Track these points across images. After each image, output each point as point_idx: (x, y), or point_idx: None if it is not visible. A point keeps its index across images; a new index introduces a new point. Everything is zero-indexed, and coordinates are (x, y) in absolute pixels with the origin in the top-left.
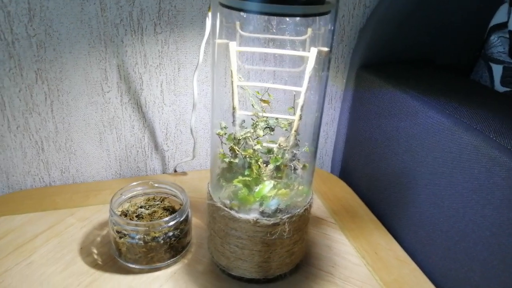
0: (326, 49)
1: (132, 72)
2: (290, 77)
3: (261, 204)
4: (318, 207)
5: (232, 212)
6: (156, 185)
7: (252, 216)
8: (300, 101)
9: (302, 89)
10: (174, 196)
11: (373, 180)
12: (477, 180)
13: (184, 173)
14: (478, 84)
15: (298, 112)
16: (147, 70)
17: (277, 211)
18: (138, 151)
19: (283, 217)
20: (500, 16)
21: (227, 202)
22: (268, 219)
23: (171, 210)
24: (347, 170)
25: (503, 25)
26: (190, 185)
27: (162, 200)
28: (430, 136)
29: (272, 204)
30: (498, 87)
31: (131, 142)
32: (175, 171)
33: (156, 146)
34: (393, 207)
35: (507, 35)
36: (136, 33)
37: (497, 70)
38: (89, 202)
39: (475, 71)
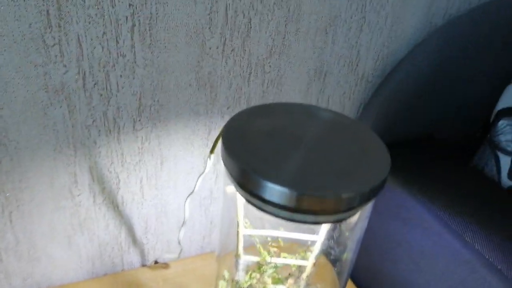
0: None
1: (107, 172)
2: None
3: None
4: None
5: None
6: None
7: None
8: (315, 251)
9: (318, 239)
10: None
11: (380, 281)
12: None
13: (165, 266)
14: (486, 179)
15: (311, 260)
16: (124, 169)
17: None
18: (113, 247)
19: None
20: (508, 99)
21: None
22: None
23: None
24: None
25: None
26: (175, 282)
27: None
28: (443, 260)
29: None
30: (505, 180)
31: (105, 240)
32: (156, 262)
33: (135, 241)
34: None
35: None
36: (111, 132)
37: (505, 162)
38: None
39: (480, 156)
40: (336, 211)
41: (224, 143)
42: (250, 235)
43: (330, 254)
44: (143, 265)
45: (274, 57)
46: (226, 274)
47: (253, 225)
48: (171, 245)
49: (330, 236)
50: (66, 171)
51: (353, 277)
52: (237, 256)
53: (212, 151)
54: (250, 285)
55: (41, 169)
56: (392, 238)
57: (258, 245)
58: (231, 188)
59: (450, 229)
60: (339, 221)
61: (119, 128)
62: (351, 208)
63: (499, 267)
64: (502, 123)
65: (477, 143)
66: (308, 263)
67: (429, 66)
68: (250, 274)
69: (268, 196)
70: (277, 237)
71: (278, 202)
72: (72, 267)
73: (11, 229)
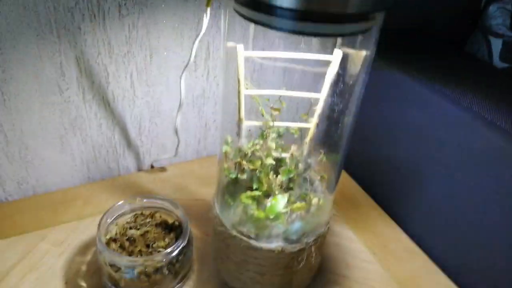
0: (363, 52)
1: (94, 64)
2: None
3: (284, 232)
4: None
5: (252, 241)
6: (145, 200)
7: (276, 244)
8: (318, 109)
9: (321, 96)
10: (165, 209)
11: (374, 167)
12: (499, 181)
13: (162, 169)
14: (477, 61)
15: (314, 120)
16: (113, 60)
17: (303, 235)
18: (108, 150)
19: (309, 241)
20: None
21: (244, 229)
22: (293, 246)
23: (164, 226)
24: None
25: None
26: (172, 184)
27: (153, 215)
28: (444, 129)
29: (297, 229)
30: (497, 62)
31: (99, 142)
32: (152, 166)
33: (129, 143)
34: (397, 196)
35: (510, 6)
36: (96, 17)
37: (496, 44)
38: (60, 218)
39: (471, 43)
40: (348, 17)
41: None
42: (251, 96)
43: (332, 117)
44: (139, 170)
45: None
46: (229, 138)
47: (254, 86)
48: (166, 149)
49: (332, 93)
50: (52, 61)
51: (349, 170)
52: (239, 121)
53: (208, 4)
54: (253, 151)
55: (25, 58)
56: (391, 121)
57: (260, 108)
58: (231, 43)
59: (448, 98)
60: (352, 33)
61: (104, 13)
62: (362, 16)
63: (498, 123)
64: (493, 7)
65: (468, 31)
66: (311, 125)
67: None
68: (253, 141)
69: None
70: (279, 97)
71: (286, 6)
72: (67, 172)
73: (0, 127)
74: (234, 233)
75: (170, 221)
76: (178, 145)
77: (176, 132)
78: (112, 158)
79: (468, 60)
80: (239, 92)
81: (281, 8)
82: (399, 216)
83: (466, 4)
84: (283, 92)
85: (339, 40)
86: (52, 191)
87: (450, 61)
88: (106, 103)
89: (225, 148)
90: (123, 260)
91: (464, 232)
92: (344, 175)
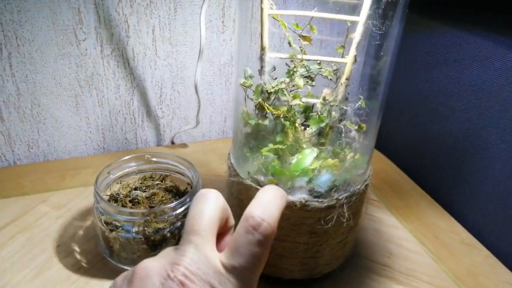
0: None
1: (114, 13)
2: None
3: (309, 181)
4: None
5: None
6: (154, 159)
7: (299, 197)
8: (356, 36)
9: (360, 19)
10: (178, 173)
11: (418, 147)
12: None
13: (184, 145)
14: None
15: (352, 53)
16: (134, 11)
17: (332, 188)
18: (125, 118)
19: (340, 197)
20: None
21: (261, 178)
22: (321, 200)
23: (175, 192)
24: (380, 136)
25: None
26: (193, 159)
27: (163, 178)
28: (509, 87)
29: (325, 180)
30: None
31: (116, 107)
32: (173, 142)
33: (149, 112)
34: (449, 180)
35: None
36: None
37: None
38: (66, 184)
39: None
40: None
41: None
42: (275, 18)
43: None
44: (159, 145)
45: None
46: (249, 70)
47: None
48: (189, 123)
49: (373, 15)
50: (69, 5)
51: (391, 154)
52: (261, 51)
53: None
54: (278, 91)
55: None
56: (445, 90)
57: (287, 35)
58: None
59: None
60: None
61: None
62: None
63: None
64: None
65: None
66: (348, 60)
67: None
68: (279, 79)
69: None
70: (310, 19)
71: None
72: (81, 138)
73: (12, 77)
74: (249, 182)
75: (182, 187)
76: (199, 110)
77: (195, 89)
78: (130, 127)
79: None
80: (262, 12)
81: None
82: (454, 204)
83: None
84: (314, 13)
85: None
86: (63, 158)
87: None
88: (125, 61)
89: (243, 80)
90: (121, 214)
91: None
92: (384, 160)
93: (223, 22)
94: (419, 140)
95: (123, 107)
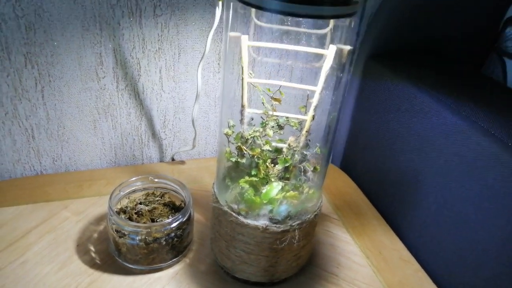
0: (348, 47)
1: (129, 57)
2: (305, 72)
3: (270, 211)
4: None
5: (240, 217)
6: (156, 180)
7: (261, 222)
8: (314, 101)
9: (317, 89)
10: (174, 191)
11: (376, 174)
12: (491, 188)
13: (182, 162)
14: (491, 80)
15: (311, 113)
16: (145, 55)
17: (287, 217)
18: (134, 139)
19: (293, 224)
20: None
21: (235, 206)
22: (278, 226)
23: (171, 206)
24: (349, 161)
25: None
26: (188, 175)
27: (162, 195)
28: (442, 137)
29: (282, 211)
30: (511, 82)
31: (127, 130)
32: (173, 159)
33: (154, 134)
34: (397, 205)
35: None
36: (134, 15)
37: (510, 66)
38: (83, 193)
39: (487, 65)
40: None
41: None
42: (253, 84)
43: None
44: (161, 161)
45: None
46: (231, 121)
47: (256, 76)
48: (187, 144)
49: (326, 86)
50: (93, 51)
51: (355, 179)
52: (242, 107)
53: None
54: (253, 138)
55: (71, 46)
56: (395, 132)
57: (261, 97)
58: (234, 33)
59: (448, 108)
60: (336, 16)
61: (140, 11)
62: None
63: (492, 131)
64: (509, 30)
65: (487, 53)
66: (308, 117)
67: None
68: (254, 128)
69: None
70: (279, 87)
71: None
72: (97, 154)
73: (43, 105)
74: (225, 208)
75: (177, 203)
76: (195, 138)
77: (193, 123)
78: (138, 146)
79: (480, 79)
80: (242, 79)
81: None
82: (398, 225)
83: (486, 26)
84: (283, 83)
85: (330, 36)
86: (81, 170)
87: (461, 78)
88: (136, 94)
89: (226, 130)
90: (128, 225)
91: (457, 244)
92: (350, 183)
93: (218, 63)
94: (378, 169)
95: (133, 130)
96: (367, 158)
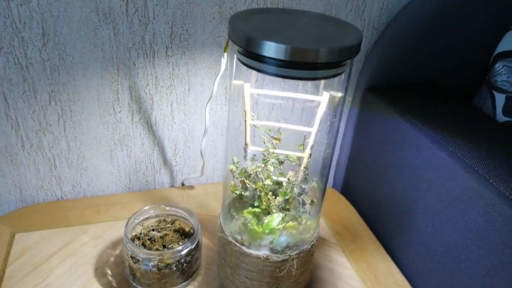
0: (340, 94)
1: (143, 93)
2: (303, 112)
3: (271, 242)
4: (322, 227)
5: (243, 247)
6: (167, 208)
7: (263, 252)
8: (310, 141)
9: (313, 130)
10: (184, 218)
11: (374, 200)
12: (475, 221)
13: (191, 187)
14: (481, 113)
15: (307, 151)
16: (157, 91)
17: (287, 247)
18: (147, 166)
19: (292, 254)
20: (505, 44)
21: (239, 237)
22: (278, 255)
23: (181, 232)
24: (348, 186)
25: (509, 54)
26: (197, 200)
27: (173, 222)
28: (431, 171)
29: (282, 241)
30: (500, 116)
31: (140, 158)
32: (183, 184)
33: (165, 161)
34: (393, 231)
35: None
36: (148, 56)
37: (500, 99)
38: (100, 218)
39: (478, 97)
40: (323, 65)
41: (230, 22)
42: (255, 126)
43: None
44: (172, 186)
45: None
46: (235, 158)
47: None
48: (196, 170)
49: (321, 129)
50: (110, 88)
51: (355, 205)
52: (245, 146)
53: (225, 50)
54: (256, 172)
55: (90, 84)
56: (391, 163)
57: (262, 137)
58: (238, 82)
59: (437, 143)
60: (327, 77)
61: (154, 53)
62: (337, 63)
63: (476, 168)
64: (498, 65)
65: (478, 86)
66: (305, 155)
67: (430, 13)
68: (256, 164)
69: (266, 52)
70: (279, 129)
71: (275, 57)
72: (112, 180)
73: (65, 137)
74: (230, 239)
75: (187, 229)
76: (203, 166)
77: (201, 154)
78: (150, 173)
79: (470, 112)
80: (245, 122)
81: (267, 57)
82: (393, 250)
83: (478, 61)
84: (282, 125)
85: (324, 84)
86: (98, 195)
87: (452, 112)
88: (149, 126)
89: (231, 167)
90: (141, 253)
91: (446, 270)
92: (349, 208)
93: (225, 97)
94: (375, 195)
95: (146, 158)
96: (365, 184)
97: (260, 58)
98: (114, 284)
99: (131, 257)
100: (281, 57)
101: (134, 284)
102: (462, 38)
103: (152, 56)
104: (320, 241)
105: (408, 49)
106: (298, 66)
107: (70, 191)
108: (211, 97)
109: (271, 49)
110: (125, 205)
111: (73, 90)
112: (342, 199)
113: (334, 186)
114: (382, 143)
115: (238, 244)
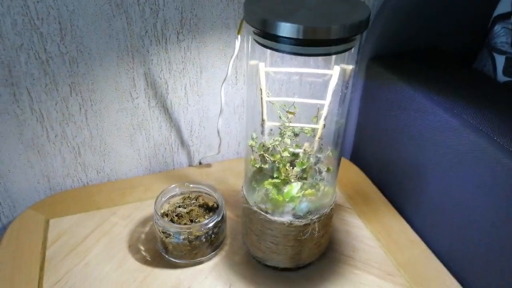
0: (350, 66)
1: (158, 78)
2: (316, 86)
3: (293, 208)
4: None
5: (268, 215)
6: (191, 185)
7: (286, 218)
8: (324, 113)
9: (326, 102)
10: (207, 194)
11: (383, 165)
12: (481, 177)
13: (208, 165)
14: (482, 75)
15: (321, 122)
16: (171, 76)
17: (308, 213)
18: (165, 148)
19: (313, 218)
20: (503, 6)
21: (263, 206)
22: (300, 220)
23: (205, 207)
24: (358, 154)
25: (507, 16)
26: (216, 177)
27: (197, 198)
28: (438, 134)
29: (303, 207)
30: (500, 76)
31: (159, 141)
32: (200, 163)
33: (182, 143)
34: (403, 192)
35: (510, 26)
36: (160, 42)
37: (500, 60)
38: (127, 199)
39: (479, 60)
40: (335, 41)
41: (245, 6)
42: (271, 102)
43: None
44: (190, 165)
45: None
46: (254, 134)
47: (273, 94)
48: (212, 148)
49: (333, 100)
50: (127, 76)
51: (366, 170)
52: (262, 122)
53: (239, 32)
54: (274, 146)
55: (108, 74)
56: (398, 128)
57: (278, 112)
58: (254, 61)
59: (442, 106)
60: (339, 52)
61: (166, 39)
62: (347, 38)
63: (480, 128)
64: (497, 27)
65: (478, 49)
66: (319, 126)
67: None
68: (274, 138)
69: (282, 33)
70: (293, 103)
71: (291, 36)
72: (134, 164)
73: (87, 126)
74: (255, 208)
75: (210, 204)
76: (220, 144)
77: (218, 133)
78: (169, 154)
79: (472, 75)
80: (262, 99)
81: (283, 37)
82: (405, 210)
83: (478, 24)
84: (297, 99)
85: (335, 58)
86: (121, 178)
87: (455, 75)
88: (165, 109)
89: (251, 142)
90: (173, 227)
91: (456, 225)
92: (360, 174)
93: (236, 77)
94: (384, 160)
95: (164, 141)
96: (374, 150)
97: (276, 38)
98: (149, 258)
99: (163, 232)
100: (296, 36)
101: (167, 256)
102: (462, 1)
103: (164, 42)
104: (336, 207)
105: (410, 17)
106: (312, 44)
107: (95, 176)
108: (226, 78)
109: (286, 29)
110: (148, 186)
111: (92, 80)
112: (352, 166)
113: (343, 155)
114: (389, 110)
115: (262, 213)
